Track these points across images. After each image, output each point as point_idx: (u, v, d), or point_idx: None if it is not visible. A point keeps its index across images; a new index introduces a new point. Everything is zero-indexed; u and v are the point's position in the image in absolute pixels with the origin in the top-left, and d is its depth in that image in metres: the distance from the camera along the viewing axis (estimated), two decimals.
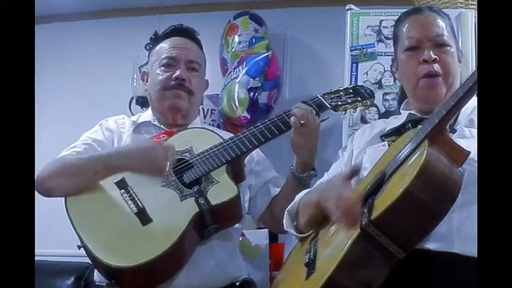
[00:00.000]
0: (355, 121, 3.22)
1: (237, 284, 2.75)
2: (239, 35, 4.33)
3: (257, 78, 4.01)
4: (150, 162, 2.58)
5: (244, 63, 4.07)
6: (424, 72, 2.25)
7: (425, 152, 1.88)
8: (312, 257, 2.11)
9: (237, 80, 4.02)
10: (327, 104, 2.71)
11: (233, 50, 4.31)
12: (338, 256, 1.90)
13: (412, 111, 2.33)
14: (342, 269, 1.89)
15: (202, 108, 4.32)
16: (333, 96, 2.75)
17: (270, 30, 4.38)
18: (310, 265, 2.09)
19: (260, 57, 4.08)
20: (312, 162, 2.71)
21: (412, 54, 2.29)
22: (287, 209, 2.40)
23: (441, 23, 2.32)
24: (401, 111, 2.43)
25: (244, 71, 4.04)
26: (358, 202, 1.98)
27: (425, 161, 1.85)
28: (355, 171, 2.17)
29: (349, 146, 2.46)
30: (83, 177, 2.61)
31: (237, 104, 3.96)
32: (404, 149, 2.00)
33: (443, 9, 2.51)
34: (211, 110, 4.39)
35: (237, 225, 2.72)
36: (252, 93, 4.01)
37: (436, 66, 2.24)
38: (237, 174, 2.66)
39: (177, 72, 2.84)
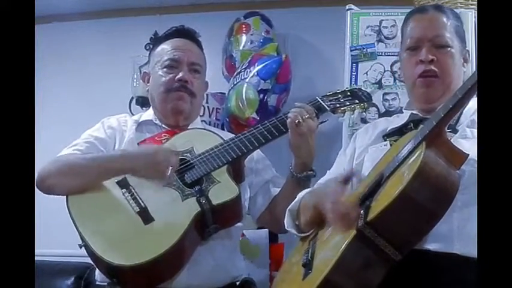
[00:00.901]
0: (355, 121, 3.23)
1: (237, 283, 2.76)
2: (251, 35, 4.32)
3: (268, 81, 3.99)
4: (153, 166, 2.60)
5: (256, 64, 4.05)
6: (420, 72, 2.26)
7: (422, 154, 1.88)
8: (309, 257, 2.12)
9: (247, 81, 4.00)
10: (325, 106, 2.72)
11: (243, 48, 4.30)
12: (334, 257, 1.91)
13: (414, 111, 2.34)
14: (337, 269, 1.89)
15: (208, 107, 4.31)
16: (331, 98, 2.77)
17: (275, 30, 4.37)
18: (308, 265, 2.09)
19: (273, 59, 4.05)
20: (310, 162, 2.72)
21: (411, 54, 2.30)
22: (288, 208, 2.41)
23: (444, 22, 2.31)
24: (403, 110, 2.44)
25: (255, 72, 4.01)
26: (353, 206, 1.99)
27: (423, 163, 1.85)
28: (349, 177, 2.17)
29: (351, 144, 2.46)
30: (85, 177, 2.62)
31: (246, 105, 3.94)
32: (403, 151, 2.00)
33: None
34: (216, 108, 4.36)
35: (237, 224, 2.74)
36: (262, 95, 3.98)
37: (433, 67, 2.25)
38: (237, 175, 2.68)
39: (180, 74, 2.85)
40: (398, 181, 1.89)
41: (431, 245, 1.98)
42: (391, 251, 1.89)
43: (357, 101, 2.78)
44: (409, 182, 1.83)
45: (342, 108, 2.77)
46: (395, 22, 3.29)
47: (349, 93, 2.81)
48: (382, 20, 3.31)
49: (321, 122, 2.72)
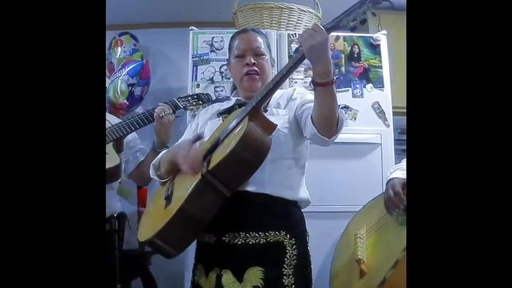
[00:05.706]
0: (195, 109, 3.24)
1: (115, 215, 2.76)
2: (124, 47, 4.25)
3: (134, 77, 4.03)
4: None
5: (126, 66, 4.08)
6: (246, 71, 2.26)
7: (246, 124, 1.92)
8: (169, 193, 2.11)
9: (120, 78, 4.02)
10: (180, 105, 2.77)
11: (119, 56, 4.23)
12: (186, 193, 1.93)
13: (239, 98, 2.34)
14: (188, 201, 1.92)
15: None
16: (184, 100, 2.80)
17: (141, 43, 4.31)
18: (168, 198, 2.09)
19: (138, 63, 4.10)
20: (167, 142, 2.72)
21: (239, 60, 2.29)
22: (152, 163, 2.35)
23: (260, 39, 2.32)
24: (231, 97, 2.43)
25: (125, 71, 4.04)
26: (198, 159, 2.00)
27: (246, 131, 1.89)
28: (198, 138, 2.18)
29: (195, 120, 2.44)
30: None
31: (119, 94, 3.95)
32: (232, 122, 2.03)
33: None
34: None
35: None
36: (130, 87, 4.00)
37: (255, 68, 2.25)
38: (118, 148, 2.67)
39: None
40: (229, 143, 1.92)
41: (250, 187, 2.03)
42: (224, 190, 1.94)
43: (200, 102, 2.84)
44: (237, 143, 1.87)
45: (191, 107, 2.83)
46: (223, 38, 3.29)
47: (195, 97, 2.85)
48: (214, 37, 3.30)
49: (176, 116, 2.77)
